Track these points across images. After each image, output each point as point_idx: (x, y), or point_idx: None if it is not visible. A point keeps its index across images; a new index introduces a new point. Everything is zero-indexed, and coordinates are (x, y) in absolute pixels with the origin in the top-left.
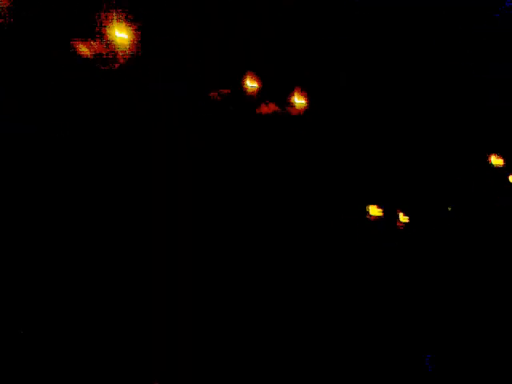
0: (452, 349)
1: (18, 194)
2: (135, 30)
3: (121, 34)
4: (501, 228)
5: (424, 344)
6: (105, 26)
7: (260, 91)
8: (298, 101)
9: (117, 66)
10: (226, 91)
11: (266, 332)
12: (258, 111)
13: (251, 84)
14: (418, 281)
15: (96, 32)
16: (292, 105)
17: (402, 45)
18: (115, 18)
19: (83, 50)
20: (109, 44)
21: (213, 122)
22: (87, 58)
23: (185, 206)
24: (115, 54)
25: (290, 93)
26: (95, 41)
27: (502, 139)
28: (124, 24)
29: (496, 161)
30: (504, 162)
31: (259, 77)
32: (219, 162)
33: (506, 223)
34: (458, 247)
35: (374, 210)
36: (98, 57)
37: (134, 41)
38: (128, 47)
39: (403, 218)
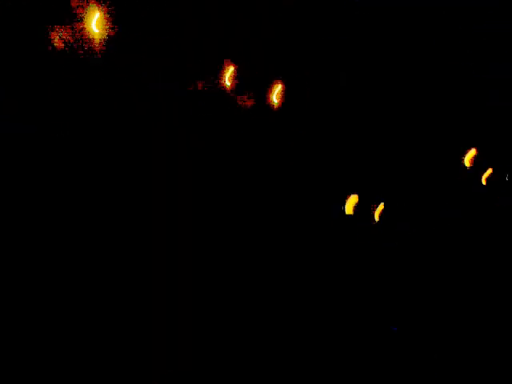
0: (452, 348)
1: (18, 194)
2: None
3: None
4: (501, 228)
5: (423, 343)
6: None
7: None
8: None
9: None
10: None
11: (265, 332)
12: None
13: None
14: (418, 281)
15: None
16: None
17: (402, 45)
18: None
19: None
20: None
21: (213, 122)
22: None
23: (185, 206)
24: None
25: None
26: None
27: (501, 139)
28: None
29: (495, 160)
30: (504, 161)
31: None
32: (219, 162)
33: (506, 223)
34: (458, 247)
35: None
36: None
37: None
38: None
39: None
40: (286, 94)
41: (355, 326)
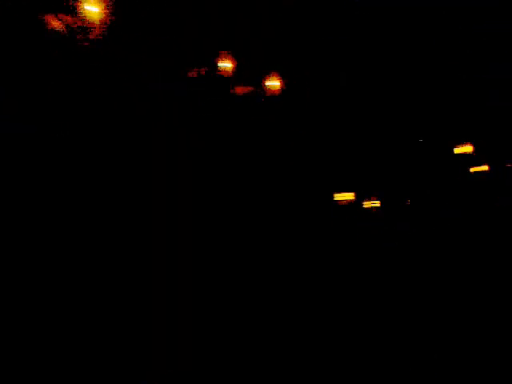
0: (451, 350)
1: (18, 193)
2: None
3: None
4: (501, 228)
5: (423, 344)
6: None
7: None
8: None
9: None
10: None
11: (265, 332)
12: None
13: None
14: (418, 281)
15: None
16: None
17: (402, 45)
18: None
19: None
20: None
21: (213, 122)
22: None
23: (185, 206)
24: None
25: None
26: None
27: (501, 139)
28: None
29: (495, 160)
30: (504, 161)
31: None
32: (219, 162)
33: (506, 223)
34: (458, 247)
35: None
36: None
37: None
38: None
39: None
40: (285, 96)
41: (355, 324)
